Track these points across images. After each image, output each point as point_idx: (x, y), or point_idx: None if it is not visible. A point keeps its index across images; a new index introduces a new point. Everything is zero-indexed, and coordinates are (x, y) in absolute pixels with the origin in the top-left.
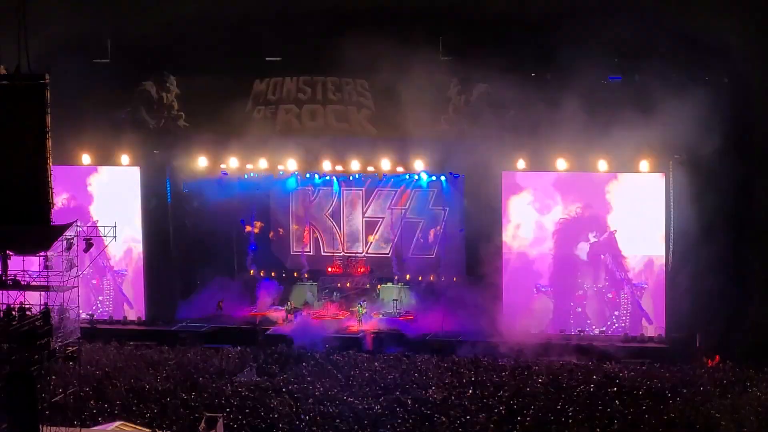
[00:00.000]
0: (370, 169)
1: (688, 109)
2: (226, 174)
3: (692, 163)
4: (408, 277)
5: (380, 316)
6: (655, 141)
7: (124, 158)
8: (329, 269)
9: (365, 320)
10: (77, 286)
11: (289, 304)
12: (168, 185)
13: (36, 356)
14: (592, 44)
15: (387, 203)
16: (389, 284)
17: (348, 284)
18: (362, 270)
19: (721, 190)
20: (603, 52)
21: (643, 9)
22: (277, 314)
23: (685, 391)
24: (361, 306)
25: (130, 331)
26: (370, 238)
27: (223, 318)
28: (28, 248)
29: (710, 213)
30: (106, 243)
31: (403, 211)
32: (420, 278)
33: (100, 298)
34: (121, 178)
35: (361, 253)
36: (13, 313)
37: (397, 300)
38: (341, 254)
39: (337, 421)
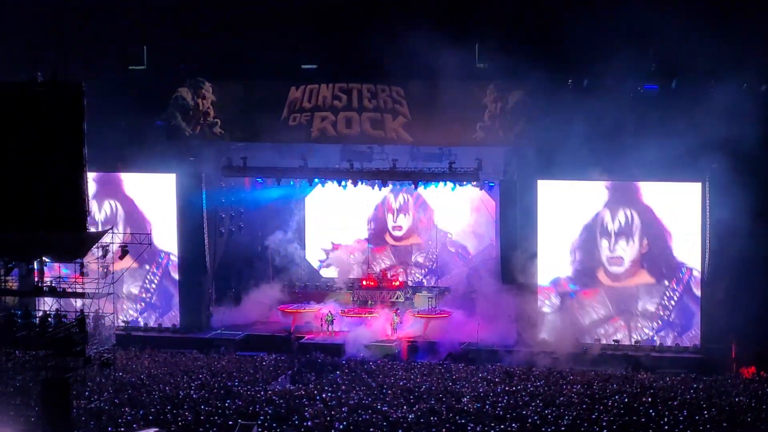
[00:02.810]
0: (406, 176)
1: (725, 118)
2: (261, 181)
3: (729, 172)
4: (442, 284)
5: (415, 314)
6: (692, 149)
7: (160, 165)
8: (363, 282)
9: (399, 329)
10: (112, 293)
11: (329, 314)
12: (203, 192)
13: (72, 363)
14: (629, 52)
15: (422, 211)
16: (424, 292)
17: (382, 298)
18: (396, 284)
19: (758, 199)
20: (640, 59)
21: (680, 17)
22: (310, 312)
23: (720, 402)
24: (396, 315)
25: (164, 339)
26: (405, 243)
27: (258, 326)
28: (63, 255)
29: (747, 222)
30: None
31: (438, 218)
32: (455, 286)
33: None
34: (157, 185)
35: (395, 264)
36: (49, 319)
37: (431, 298)
38: (375, 269)
39: (371, 429)
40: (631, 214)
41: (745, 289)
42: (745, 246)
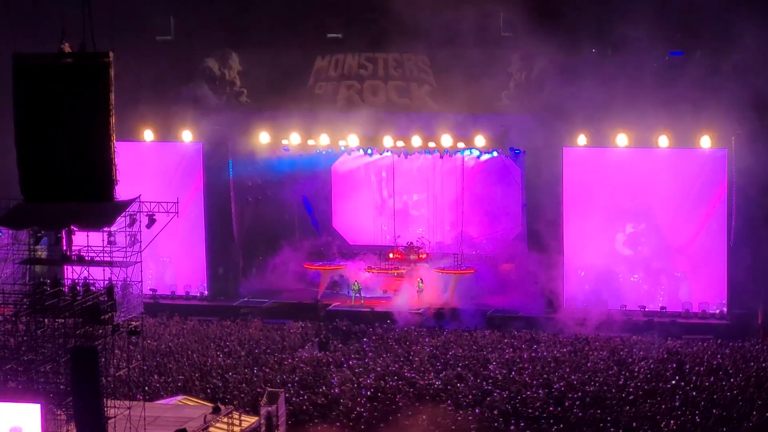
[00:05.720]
0: (432, 144)
1: (751, 84)
2: (287, 150)
3: (755, 139)
4: (467, 248)
5: (441, 271)
6: (717, 116)
7: (187, 134)
8: (391, 255)
9: (423, 296)
10: (140, 262)
11: (356, 283)
12: (230, 161)
13: (100, 331)
14: (654, 19)
15: (448, 179)
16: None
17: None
18: (423, 256)
19: None
20: (665, 26)
21: None
22: (336, 270)
23: (747, 368)
24: (420, 281)
25: (192, 307)
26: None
27: (285, 294)
28: (91, 224)
29: None
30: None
31: (464, 187)
32: (481, 253)
33: None
34: (184, 154)
35: (422, 237)
36: (78, 288)
37: (458, 255)
38: (402, 241)
39: (398, 396)
40: (653, 180)
41: None
42: None
